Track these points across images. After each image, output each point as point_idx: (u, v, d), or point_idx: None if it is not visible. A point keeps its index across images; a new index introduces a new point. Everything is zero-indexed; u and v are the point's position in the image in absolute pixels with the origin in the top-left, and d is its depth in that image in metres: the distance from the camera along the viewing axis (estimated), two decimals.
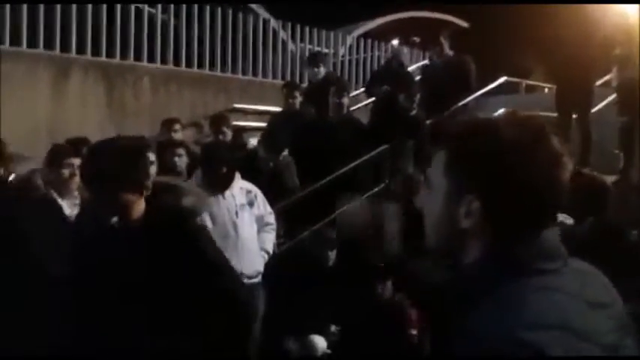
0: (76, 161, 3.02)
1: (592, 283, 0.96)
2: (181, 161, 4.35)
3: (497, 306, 0.87)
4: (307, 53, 9.18)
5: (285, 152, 4.77)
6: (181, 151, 4.42)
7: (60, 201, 2.95)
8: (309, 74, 6.24)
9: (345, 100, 5.39)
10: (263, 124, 6.34)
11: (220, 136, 5.20)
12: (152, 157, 3.28)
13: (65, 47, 6.84)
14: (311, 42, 9.41)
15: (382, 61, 10.06)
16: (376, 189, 5.13)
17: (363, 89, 8.40)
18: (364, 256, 4.12)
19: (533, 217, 0.90)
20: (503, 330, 0.84)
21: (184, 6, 7.88)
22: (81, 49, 6.95)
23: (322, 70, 6.08)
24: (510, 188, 0.89)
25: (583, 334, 0.87)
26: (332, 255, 4.09)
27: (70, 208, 2.96)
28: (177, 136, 5.35)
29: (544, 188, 0.89)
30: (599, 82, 6.45)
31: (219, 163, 3.63)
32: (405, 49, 7.12)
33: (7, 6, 6.46)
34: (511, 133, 0.90)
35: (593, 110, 5.97)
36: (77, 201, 3.01)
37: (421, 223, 1.02)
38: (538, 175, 0.89)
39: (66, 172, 2.99)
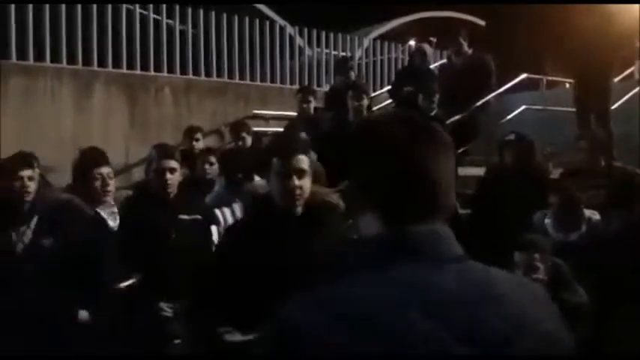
0: (105, 170, 2.92)
1: (472, 282, 0.89)
2: (212, 169, 4.35)
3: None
4: (324, 57, 9.22)
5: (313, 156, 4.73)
6: (212, 159, 4.44)
7: (103, 214, 2.84)
8: (337, 81, 6.18)
9: (365, 103, 5.39)
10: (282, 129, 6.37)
11: (240, 143, 5.25)
12: (175, 164, 3.32)
13: (87, 61, 6.99)
14: (327, 46, 9.44)
15: (399, 63, 10.06)
16: None
17: (381, 91, 8.41)
18: None
19: (395, 211, 0.91)
20: (292, 304, 0.85)
21: (202, 16, 7.99)
22: (102, 63, 7.09)
23: (352, 76, 6.05)
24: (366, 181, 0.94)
25: (374, 326, 0.81)
26: None
27: (111, 219, 2.86)
28: (199, 144, 5.41)
29: (407, 187, 0.91)
30: (621, 76, 6.35)
31: (238, 169, 3.68)
32: (428, 45, 7.01)
33: (30, 23, 6.63)
34: (386, 137, 0.94)
35: (618, 104, 5.87)
36: (115, 209, 2.92)
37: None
38: (406, 176, 0.91)
39: (97, 183, 2.86)
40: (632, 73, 7.91)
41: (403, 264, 0.87)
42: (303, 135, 4.47)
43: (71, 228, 2.60)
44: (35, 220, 2.58)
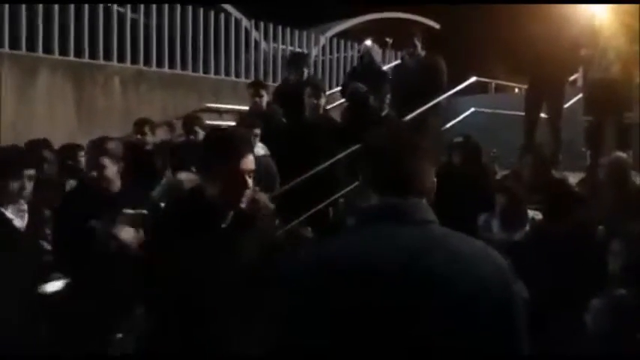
0: (30, 172, 2.76)
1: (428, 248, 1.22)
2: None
3: None
4: (280, 53, 9.17)
5: (263, 152, 4.70)
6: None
7: (7, 214, 2.68)
8: (291, 77, 6.12)
9: (322, 101, 5.39)
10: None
11: (192, 136, 5.15)
12: (108, 161, 3.19)
13: (32, 47, 6.70)
14: (284, 42, 9.40)
15: (355, 62, 10.12)
16: (351, 187, 5.16)
17: (336, 89, 8.43)
18: None
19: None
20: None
21: (155, 5, 7.79)
22: (48, 49, 6.81)
23: (306, 72, 6.03)
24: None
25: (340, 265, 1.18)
26: None
27: (18, 218, 2.73)
28: (149, 137, 5.29)
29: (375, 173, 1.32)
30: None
31: (189, 164, 3.61)
32: (377, 46, 7.07)
33: None
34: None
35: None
36: (24, 207, 2.78)
37: None
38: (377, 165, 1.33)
39: (15, 185, 2.68)
40: (575, 80, 8.23)
41: (382, 224, 1.24)
42: (257, 131, 4.53)
43: None
44: None
